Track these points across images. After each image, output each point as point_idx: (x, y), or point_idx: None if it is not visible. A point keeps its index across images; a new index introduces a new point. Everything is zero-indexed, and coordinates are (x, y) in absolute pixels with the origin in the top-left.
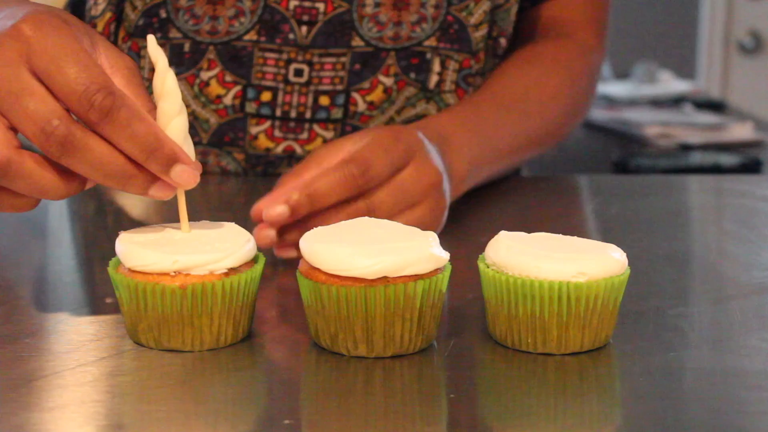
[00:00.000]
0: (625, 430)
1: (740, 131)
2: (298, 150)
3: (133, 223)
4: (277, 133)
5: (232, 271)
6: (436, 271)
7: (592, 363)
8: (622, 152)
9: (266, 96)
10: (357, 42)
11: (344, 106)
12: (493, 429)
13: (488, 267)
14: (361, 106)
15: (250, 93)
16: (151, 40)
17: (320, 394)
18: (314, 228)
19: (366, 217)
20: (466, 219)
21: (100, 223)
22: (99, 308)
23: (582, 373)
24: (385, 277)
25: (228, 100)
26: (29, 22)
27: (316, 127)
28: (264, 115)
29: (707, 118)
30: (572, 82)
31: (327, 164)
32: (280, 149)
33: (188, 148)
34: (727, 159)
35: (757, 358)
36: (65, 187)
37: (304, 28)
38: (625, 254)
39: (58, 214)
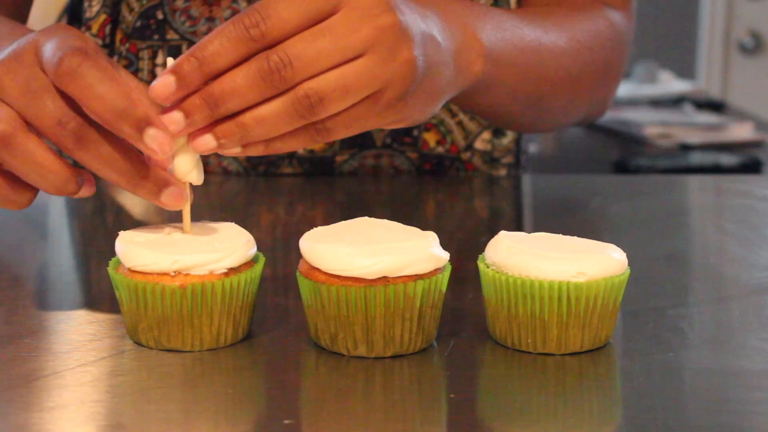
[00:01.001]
0: (625, 430)
1: (740, 131)
2: (299, 150)
3: (133, 223)
4: None
5: (232, 271)
6: (436, 271)
7: (592, 363)
8: (622, 152)
9: None
10: None
11: None
12: (493, 429)
13: (488, 267)
14: None
15: None
16: (170, 62)
17: (320, 394)
18: (254, 142)
19: (366, 217)
20: (466, 219)
21: (100, 223)
22: (99, 308)
23: (582, 373)
24: (385, 277)
25: None
26: (45, 31)
27: None
28: None
29: (707, 118)
30: (594, 23)
31: None
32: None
33: (198, 171)
34: (727, 159)
35: (757, 358)
36: (64, 175)
37: None
38: (625, 254)
39: (58, 214)
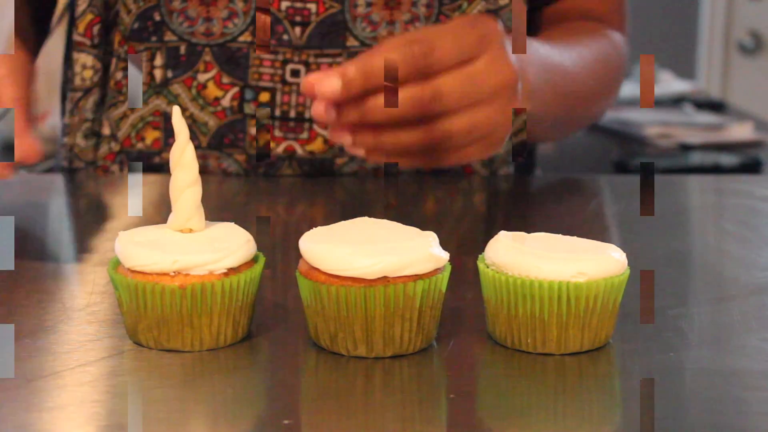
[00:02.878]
0: (625, 430)
1: (740, 131)
2: (299, 150)
3: (133, 223)
4: (278, 132)
5: (232, 271)
6: (436, 271)
7: (592, 363)
8: (622, 152)
9: (264, 96)
10: (352, 42)
11: None
12: (493, 429)
13: (488, 267)
14: None
15: (248, 94)
16: (176, 111)
17: (320, 394)
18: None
19: (366, 217)
20: (466, 219)
21: (100, 223)
22: (99, 308)
23: (582, 373)
24: (384, 277)
25: (226, 101)
26: None
27: (315, 127)
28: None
29: (707, 118)
30: (598, 44)
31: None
32: (280, 149)
33: (199, 217)
34: (727, 159)
35: (757, 358)
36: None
37: (297, 29)
38: (625, 254)
39: (57, 214)
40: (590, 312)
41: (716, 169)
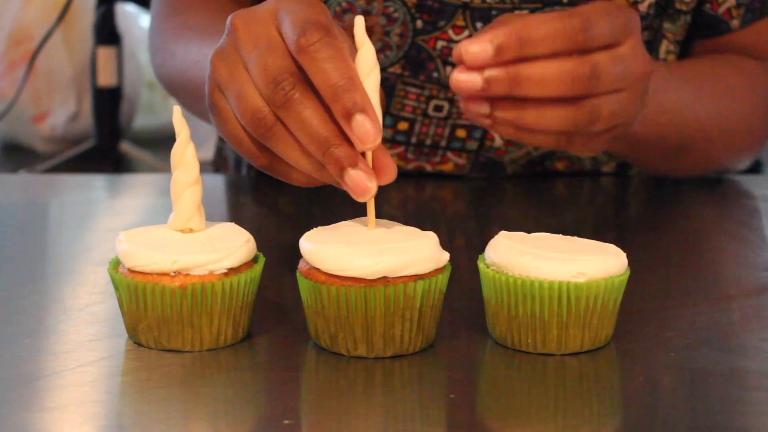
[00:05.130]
0: (625, 430)
1: None
2: (428, 168)
3: (133, 223)
4: (410, 155)
5: (232, 271)
6: (436, 271)
7: (592, 363)
8: None
9: (403, 125)
10: None
11: (480, 139)
12: (493, 429)
13: (488, 267)
14: (498, 141)
15: (387, 120)
16: (176, 111)
17: (320, 394)
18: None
19: (366, 218)
20: (466, 219)
21: (100, 223)
22: (99, 308)
23: (582, 373)
24: (385, 277)
25: None
26: None
27: (449, 154)
28: (399, 142)
29: None
30: (753, 90)
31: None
32: (410, 167)
33: (200, 217)
34: None
35: (757, 358)
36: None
37: (449, 68)
38: (625, 254)
39: (58, 214)
40: (590, 312)
41: None
